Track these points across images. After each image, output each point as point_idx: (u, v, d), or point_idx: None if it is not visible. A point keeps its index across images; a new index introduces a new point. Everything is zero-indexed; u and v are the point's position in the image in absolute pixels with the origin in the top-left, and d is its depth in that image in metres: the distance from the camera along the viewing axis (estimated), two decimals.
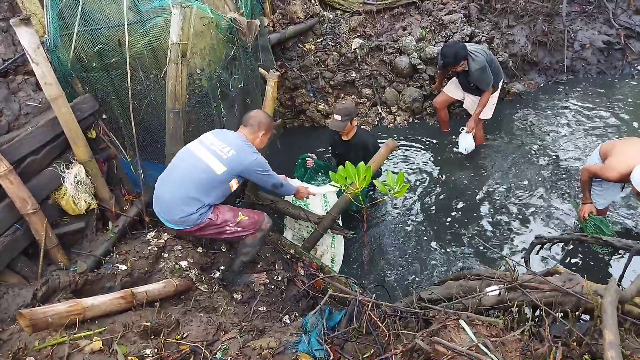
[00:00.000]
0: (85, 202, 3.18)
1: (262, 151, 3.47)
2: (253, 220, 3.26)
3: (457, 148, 5.40)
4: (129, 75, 3.47)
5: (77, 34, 3.45)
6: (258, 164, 3.16)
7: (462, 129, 5.28)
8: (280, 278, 3.52)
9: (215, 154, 3.08)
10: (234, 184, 3.18)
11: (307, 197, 3.90)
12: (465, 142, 5.25)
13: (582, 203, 3.97)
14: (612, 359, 1.54)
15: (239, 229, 3.21)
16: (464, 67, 4.91)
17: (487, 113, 5.31)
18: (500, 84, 5.23)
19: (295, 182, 3.88)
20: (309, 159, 4.59)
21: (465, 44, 5.05)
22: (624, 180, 3.51)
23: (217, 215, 3.13)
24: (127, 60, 3.46)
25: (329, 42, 6.29)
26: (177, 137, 3.51)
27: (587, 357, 1.76)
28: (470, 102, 5.34)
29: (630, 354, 1.65)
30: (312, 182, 4.44)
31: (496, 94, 5.24)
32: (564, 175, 5.02)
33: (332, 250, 4.14)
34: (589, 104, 6.29)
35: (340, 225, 4.11)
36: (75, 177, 3.11)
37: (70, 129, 3.08)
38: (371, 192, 4.77)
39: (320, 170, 4.65)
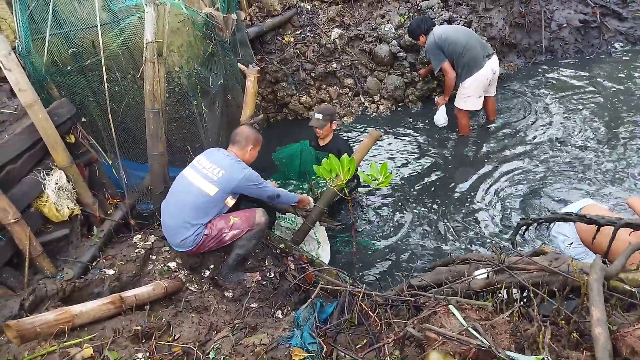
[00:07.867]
0: (68, 208, 3.14)
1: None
2: (245, 218, 3.32)
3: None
4: (105, 76, 3.42)
5: (49, 38, 3.39)
6: (249, 179, 3.27)
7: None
8: (272, 274, 3.52)
9: (207, 176, 3.21)
10: (230, 201, 3.29)
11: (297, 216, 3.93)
12: (436, 116, 5.72)
13: None
14: (600, 335, 1.57)
15: (236, 232, 3.28)
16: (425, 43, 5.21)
17: (462, 104, 5.29)
18: (472, 76, 5.04)
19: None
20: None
21: (444, 26, 5.14)
22: None
23: (211, 228, 3.23)
24: (103, 61, 3.40)
25: (308, 34, 6.24)
26: (158, 137, 3.46)
27: (575, 334, 1.79)
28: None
29: (616, 329, 1.67)
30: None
31: (470, 86, 5.11)
32: (547, 157, 5.07)
33: (317, 251, 4.12)
34: (568, 84, 6.34)
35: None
36: (57, 184, 3.07)
37: (48, 135, 3.03)
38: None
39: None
